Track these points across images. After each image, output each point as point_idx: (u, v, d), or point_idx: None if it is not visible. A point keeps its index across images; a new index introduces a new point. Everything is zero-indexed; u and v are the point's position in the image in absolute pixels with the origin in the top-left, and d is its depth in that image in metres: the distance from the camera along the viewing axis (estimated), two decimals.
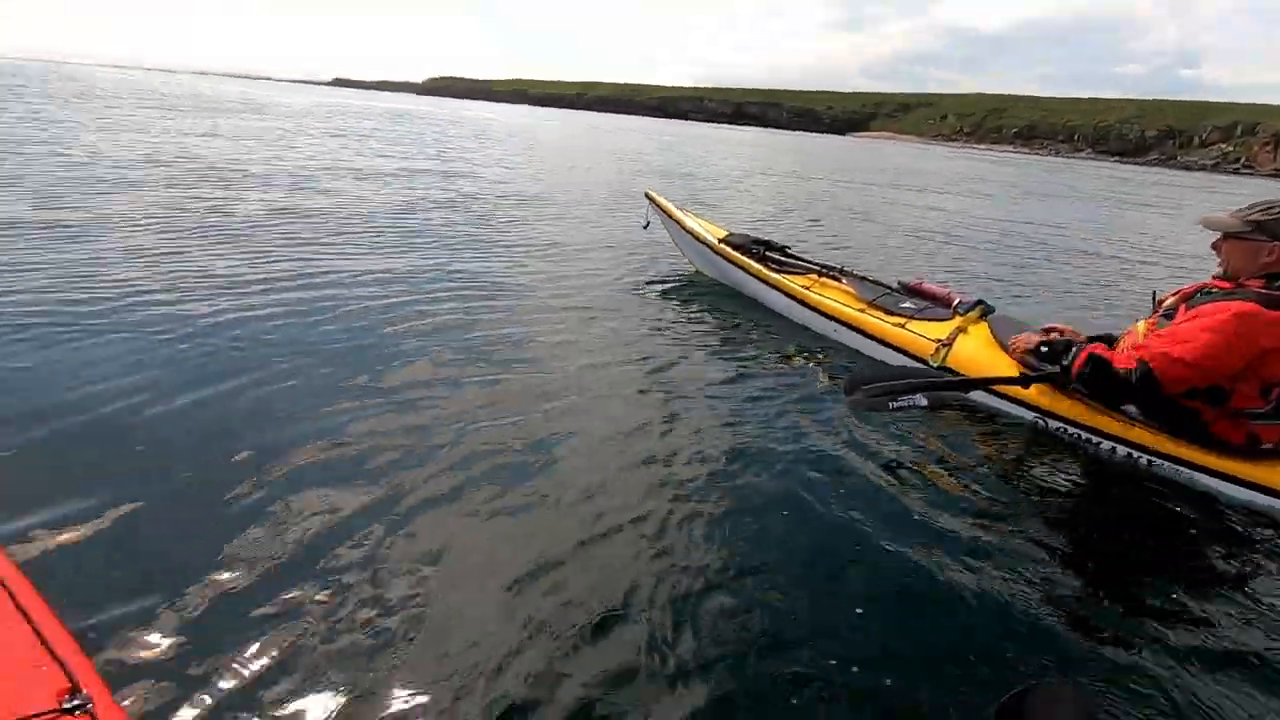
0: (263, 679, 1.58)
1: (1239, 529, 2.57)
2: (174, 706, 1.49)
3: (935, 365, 3.52)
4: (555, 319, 4.51)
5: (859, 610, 1.96)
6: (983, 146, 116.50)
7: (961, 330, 3.62)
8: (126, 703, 1.46)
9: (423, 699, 1.58)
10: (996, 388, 3.26)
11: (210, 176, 8.75)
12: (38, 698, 1.09)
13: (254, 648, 1.65)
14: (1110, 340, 3.11)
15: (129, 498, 2.13)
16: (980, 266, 8.03)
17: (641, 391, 3.42)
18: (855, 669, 1.74)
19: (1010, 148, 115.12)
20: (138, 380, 2.91)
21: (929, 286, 4.16)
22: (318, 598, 1.82)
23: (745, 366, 3.89)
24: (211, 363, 3.18)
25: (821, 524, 2.38)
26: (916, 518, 2.44)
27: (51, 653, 1.19)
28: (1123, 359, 2.77)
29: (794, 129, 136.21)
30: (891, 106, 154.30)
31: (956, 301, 3.86)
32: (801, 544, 2.27)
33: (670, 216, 6.07)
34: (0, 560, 1.34)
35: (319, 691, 1.57)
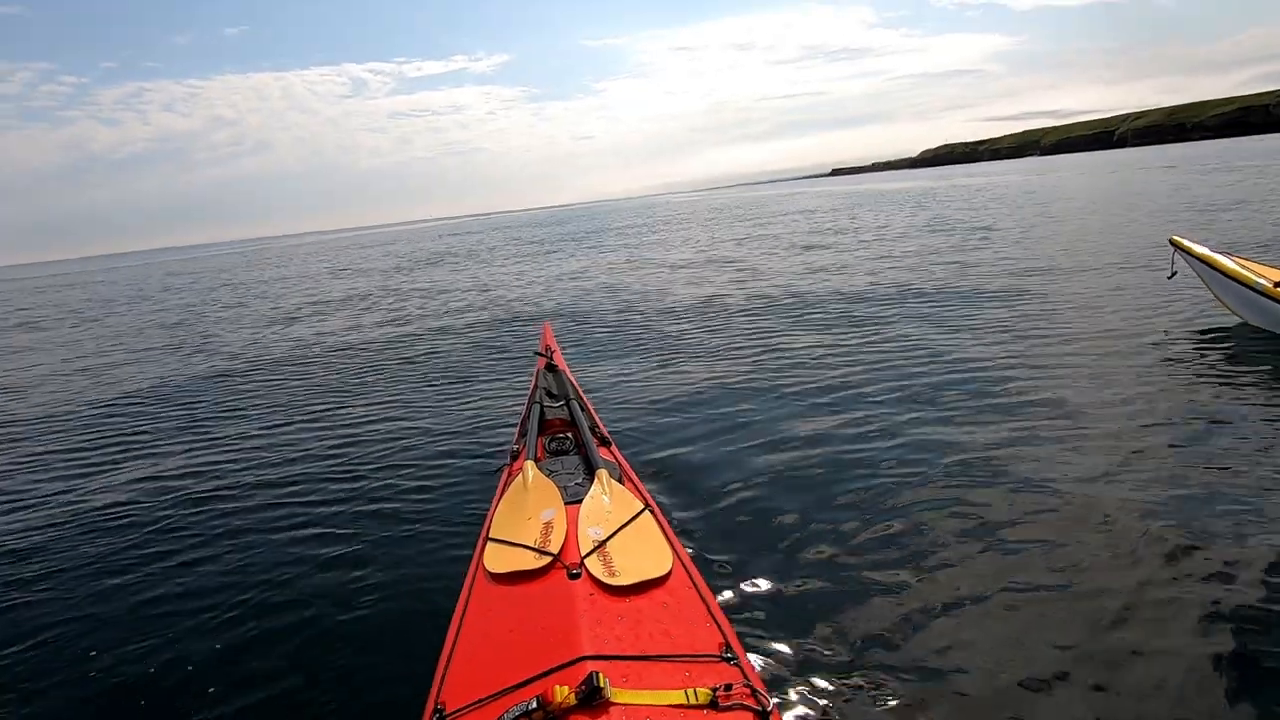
0: (846, 654, 2.07)
1: None
2: (789, 669, 2.06)
3: None
4: (1075, 384, 4.26)
5: None
6: None
7: None
8: (756, 660, 2.07)
9: None
10: None
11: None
12: (706, 646, 1.66)
13: (844, 628, 2.20)
14: None
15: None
16: None
17: (1181, 472, 3.02)
18: None
19: None
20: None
21: None
22: (901, 579, 2.35)
23: None
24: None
25: None
26: None
27: (711, 615, 1.80)
28: None
29: None
30: None
31: None
32: None
33: (1205, 262, 5.21)
34: (679, 549, 2.07)
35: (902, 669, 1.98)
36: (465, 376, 5.98)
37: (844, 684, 2.00)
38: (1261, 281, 4.71)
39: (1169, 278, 5.56)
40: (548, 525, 2.02)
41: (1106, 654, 1.98)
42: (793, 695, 1.97)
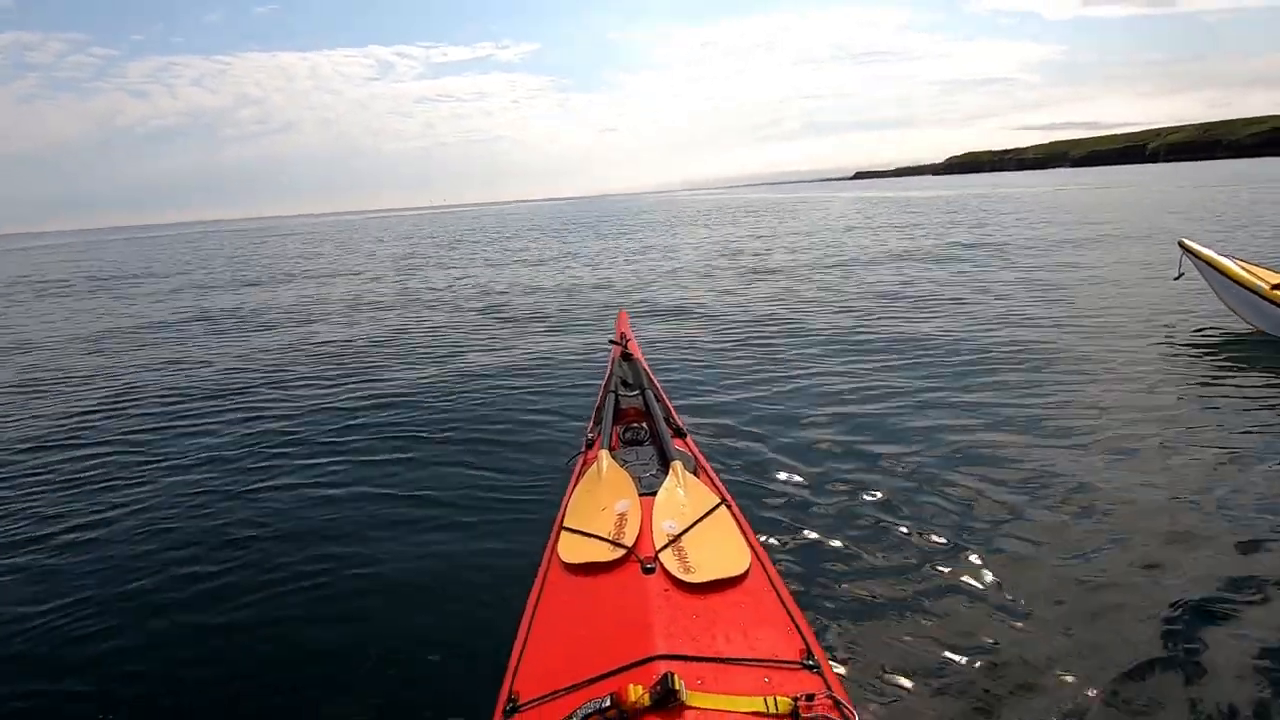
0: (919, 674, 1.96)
1: None
2: (871, 681, 1.98)
3: None
4: (1072, 383, 4.30)
5: None
6: None
7: None
8: (839, 669, 1.99)
9: None
10: None
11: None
12: (786, 652, 1.58)
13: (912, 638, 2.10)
14: None
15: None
16: None
17: (1187, 473, 3.08)
18: None
19: None
20: None
21: None
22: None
23: None
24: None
25: None
26: None
27: (792, 618, 1.73)
28: None
29: None
30: None
31: None
32: None
33: (1211, 265, 5.23)
34: (756, 547, 2.00)
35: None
36: (538, 361, 5.91)
37: (931, 701, 1.89)
38: (1261, 284, 4.73)
39: (1175, 279, 5.67)
40: (622, 516, 1.96)
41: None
42: (875, 709, 1.87)
